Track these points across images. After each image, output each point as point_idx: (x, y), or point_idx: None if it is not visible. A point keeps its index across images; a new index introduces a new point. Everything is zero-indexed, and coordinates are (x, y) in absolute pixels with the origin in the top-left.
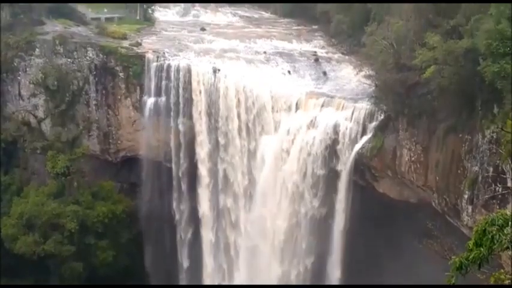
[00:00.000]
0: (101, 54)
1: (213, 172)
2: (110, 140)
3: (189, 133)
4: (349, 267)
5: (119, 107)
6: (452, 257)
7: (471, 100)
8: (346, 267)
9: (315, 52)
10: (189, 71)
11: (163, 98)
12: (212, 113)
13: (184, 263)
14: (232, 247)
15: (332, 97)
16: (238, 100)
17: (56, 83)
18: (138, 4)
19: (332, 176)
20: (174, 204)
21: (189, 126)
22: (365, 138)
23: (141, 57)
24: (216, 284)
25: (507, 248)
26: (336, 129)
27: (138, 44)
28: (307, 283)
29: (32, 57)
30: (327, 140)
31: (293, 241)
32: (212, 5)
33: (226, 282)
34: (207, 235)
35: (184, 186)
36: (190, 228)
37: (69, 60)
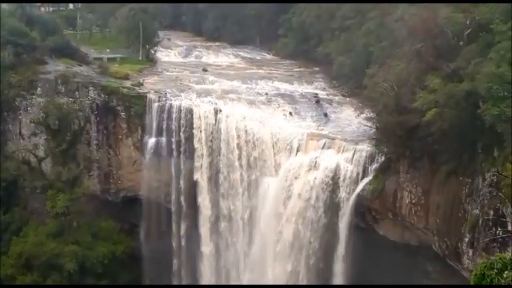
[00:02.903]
0: (102, 94)
1: (214, 214)
2: (111, 180)
3: (189, 174)
4: None
5: (120, 146)
6: None
7: (472, 143)
8: None
9: (316, 94)
10: (190, 111)
11: (164, 138)
12: (213, 154)
13: None
14: None
15: (333, 139)
16: (240, 141)
17: (57, 122)
18: (141, 45)
19: (333, 218)
20: (174, 247)
21: (189, 167)
22: (366, 180)
23: (142, 97)
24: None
25: None
26: (336, 171)
27: (140, 84)
28: None
29: (34, 96)
30: (327, 182)
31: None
32: (214, 46)
33: None
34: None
35: (184, 229)
36: (190, 272)
37: (70, 99)
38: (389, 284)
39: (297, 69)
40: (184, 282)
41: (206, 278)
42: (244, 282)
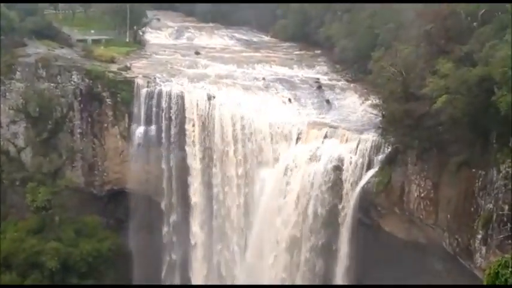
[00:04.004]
0: (86, 79)
1: (207, 208)
2: (95, 172)
3: (180, 165)
4: None
5: (106, 136)
6: None
7: (485, 133)
8: None
9: (318, 79)
10: (181, 98)
11: (153, 127)
12: (206, 143)
13: None
14: None
15: (335, 128)
16: (235, 130)
17: (37, 109)
18: (128, 26)
19: (335, 214)
20: (164, 243)
21: (181, 158)
22: (371, 172)
23: (130, 82)
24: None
25: None
26: (339, 162)
27: (127, 68)
28: None
29: (13, 81)
30: (329, 175)
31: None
32: (207, 27)
33: None
34: (198, 271)
35: (175, 224)
36: (181, 269)
37: (52, 85)
38: (394, 284)
39: (297, 53)
40: (175, 280)
41: (199, 276)
42: (239, 282)
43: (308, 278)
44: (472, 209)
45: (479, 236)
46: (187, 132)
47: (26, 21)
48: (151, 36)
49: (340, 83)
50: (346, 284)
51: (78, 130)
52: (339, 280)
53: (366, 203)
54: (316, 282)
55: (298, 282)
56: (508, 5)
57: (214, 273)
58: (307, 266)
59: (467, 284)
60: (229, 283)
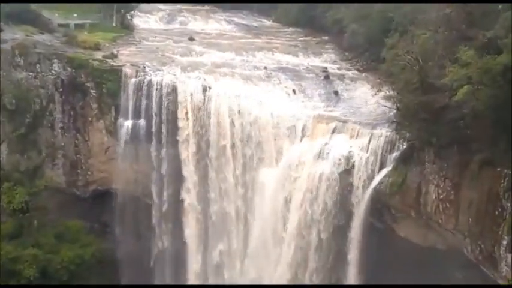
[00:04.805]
0: (68, 68)
1: (203, 212)
2: (78, 171)
3: (173, 163)
4: None
5: (90, 131)
6: None
7: (510, 128)
8: None
9: (325, 68)
10: (174, 88)
11: (142, 121)
12: (201, 139)
13: None
14: None
15: (345, 122)
16: (233, 124)
17: (14, 101)
18: (114, 9)
19: (344, 217)
20: (155, 249)
21: (173, 155)
22: (384, 171)
23: (116, 71)
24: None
25: None
26: (349, 160)
27: (114, 56)
28: None
29: None
30: (338, 174)
31: None
32: (203, 10)
33: None
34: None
35: (166, 227)
36: (174, 277)
37: (30, 74)
38: (389, 284)
39: (302, 39)
40: (166, 281)
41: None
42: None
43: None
44: (497, 212)
45: (505, 242)
46: (180, 127)
47: (1, 4)
48: (141, 21)
49: (350, 73)
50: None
51: (60, 124)
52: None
53: (379, 206)
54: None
55: (307, 276)
56: None
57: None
58: (318, 253)
59: None
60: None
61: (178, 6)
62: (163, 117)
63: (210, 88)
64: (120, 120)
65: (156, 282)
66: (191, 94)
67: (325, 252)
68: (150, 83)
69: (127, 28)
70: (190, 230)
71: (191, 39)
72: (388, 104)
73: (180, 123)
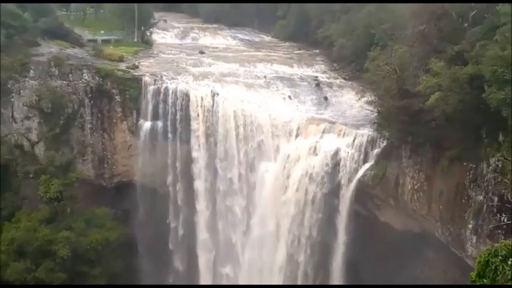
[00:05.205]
0: (96, 77)
1: (211, 200)
2: (105, 165)
3: (186, 158)
4: None
5: (115, 131)
6: None
7: (476, 128)
8: None
9: (316, 77)
10: (187, 94)
11: (160, 122)
12: (210, 138)
13: None
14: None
15: (333, 123)
16: (237, 125)
17: (50, 105)
18: (136, 27)
19: (333, 205)
20: (170, 234)
21: (186, 151)
22: (367, 165)
23: (138, 80)
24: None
25: (511, 279)
26: (337, 156)
27: (135, 67)
28: None
29: (26, 79)
30: (327, 167)
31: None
32: (211, 27)
33: None
34: (205, 266)
35: (180, 215)
36: (186, 257)
37: (64, 82)
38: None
39: (297, 52)
40: (181, 270)
41: (203, 267)
42: (244, 267)
43: (307, 265)
44: (463, 201)
45: (470, 226)
46: (192, 127)
47: (39, 22)
48: (158, 37)
49: (337, 81)
50: (346, 271)
51: (89, 125)
52: (337, 265)
53: (363, 195)
54: (316, 272)
55: (301, 259)
56: (497, 7)
57: (218, 262)
58: (306, 253)
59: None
60: (232, 266)
61: (190, 24)
62: (178, 119)
63: (217, 94)
64: (141, 121)
65: (174, 263)
66: (202, 99)
67: (318, 232)
68: (166, 90)
69: (147, 43)
70: (202, 215)
71: (201, 52)
72: (371, 108)
73: (192, 124)
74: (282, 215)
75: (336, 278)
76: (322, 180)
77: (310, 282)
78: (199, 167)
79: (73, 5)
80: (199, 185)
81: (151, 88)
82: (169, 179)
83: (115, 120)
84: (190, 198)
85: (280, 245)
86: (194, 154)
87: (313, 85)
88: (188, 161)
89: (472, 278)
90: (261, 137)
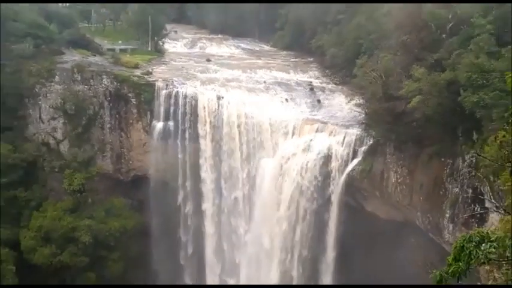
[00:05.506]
0: (115, 82)
1: (217, 191)
2: (122, 161)
3: (194, 155)
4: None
5: (131, 130)
6: (434, 271)
7: (453, 128)
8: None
9: (310, 82)
10: (195, 98)
11: (171, 123)
12: (216, 136)
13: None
14: (233, 262)
15: (325, 123)
16: (240, 125)
17: (73, 107)
18: (150, 37)
19: (325, 196)
20: (180, 222)
21: (194, 149)
22: (355, 161)
23: (151, 85)
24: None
25: (483, 263)
26: (328, 153)
27: (149, 73)
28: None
29: (52, 84)
30: (320, 163)
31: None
32: (217, 38)
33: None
34: (210, 249)
35: (189, 205)
36: (195, 244)
37: (86, 87)
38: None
39: (293, 60)
40: (190, 252)
41: (210, 249)
42: (244, 250)
43: (303, 246)
44: (441, 193)
45: (447, 215)
46: (199, 127)
47: (63, 33)
48: (170, 46)
49: (329, 86)
50: (336, 254)
51: (108, 125)
52: (329, 249)
53: (352, 188)
54: (310, 250)
55: (297, 238)
56: (472, 20)
57: (222, 244)
58: (305, 223)
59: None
60: (235, 238)
61: (198, 35)
62: (187, 119)
63: (222, 97)
64: (154, 122)
65: (182, 249)
66: (208, 102)
67: (311, 222)
68: (177, 94)
69: (159, 52)
70: (208, 205)
71: (208, 60)
72: (359, 110)
73: (200, 125)
74: (281, 199)
75: (329, 256)
76: (316, 174)
77: (305, 253)
78: (206, 162)
79: (94, 18)
80: (206, 178)
81: (163, 92)
82: (179, 173)
83: (131, 121)
84: (197, 190)
85: (278, 223)
86: (201, 151)
87: (308, 89)
88: (196, 156)
89: (448, 261)
90: (260, 135)
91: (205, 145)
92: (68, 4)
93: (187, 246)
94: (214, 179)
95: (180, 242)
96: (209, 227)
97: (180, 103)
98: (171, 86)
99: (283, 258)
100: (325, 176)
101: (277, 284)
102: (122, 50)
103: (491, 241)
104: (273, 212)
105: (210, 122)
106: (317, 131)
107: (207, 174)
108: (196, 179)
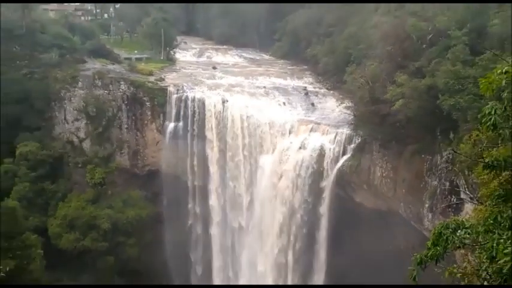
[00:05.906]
0: (131, 87)
1: (222, 184)
2: (138, 157)
3: (202, 152)
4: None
5: (146, 130)
6: (415, 254)
7: (432, 128)
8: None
9: (305, 87)
10: (202, 101)
11: (181, 123)
12: (221, 135)
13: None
14: (236, 248)
15: (319, 124)
16: (242, 126)
17: (94, 110)
18: (162, 47)
19: (318, 189)
20: (189, 212)
21: (202, 146)
22: (345, 157)
23: (164, 89)
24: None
25: (459, 247)
26: (321, 150)
27: (162, 79)
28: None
29: (76, 89)
30: (314, 159)
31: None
32: (222, 48)
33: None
34: (216, 235)
35: (197, 197)
36: (203, 230)
37: (105, 91)
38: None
39: (290, 68)
40: (198, 234)
41: (216, 236)
42: (246, 237)
43: (298, 231)
44: (422, 185)
45: (427, 206)
46: (206, 127)
47: (85, 44)
48: (180, 55)
49: (322, 90)
50: (328, 239)
51: (125, 126)
52: (322, 234)
53: (342, 181)
54: (304, 234)
55: (292, 227)
56: (449, 32)
57: (227, 232)
58: (302, 210)
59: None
60: (236, 225)
61: (205, 45)
62: (195, 120)
63: (227, 101)
64: (166, 122)
65: (192, 237)
66: (214, 105)
67: (306, 211)
68: (186, 97)
69: (171, 60)
70: (214, 197)
71: (214, 68)
72: (348, 112)
73: (207, 125)
74: (280, 188)
75: (322, 235)
76: (310, 169)
77: (300, 244)
78: (212, 158)
79: (113, 30)
80: (213, 172)
81: (174, 96)
82: (189, 168)
83: (146, 122)
84: (205, 183)
85: (277, 210)
86: (208, 149)
87: (303, 94)
88: (203, 154)
89: (428, 245)
90: (261, 135)
91: (212, 142)
92: (89, 18)
93: (196, 233)
94: (219, 169)
95: (190, 229)
96: (215, 216)
97: (189, 106)
98: (181, 91)
99: (284, 233)
100: (319, 170)
101: (273, 279)
102: (137, 59)
103: (466, 228)
104: (273, 200)
105: (216, 123)
106: (311, 130)
107: (213, 169)
108: (204, 173)
